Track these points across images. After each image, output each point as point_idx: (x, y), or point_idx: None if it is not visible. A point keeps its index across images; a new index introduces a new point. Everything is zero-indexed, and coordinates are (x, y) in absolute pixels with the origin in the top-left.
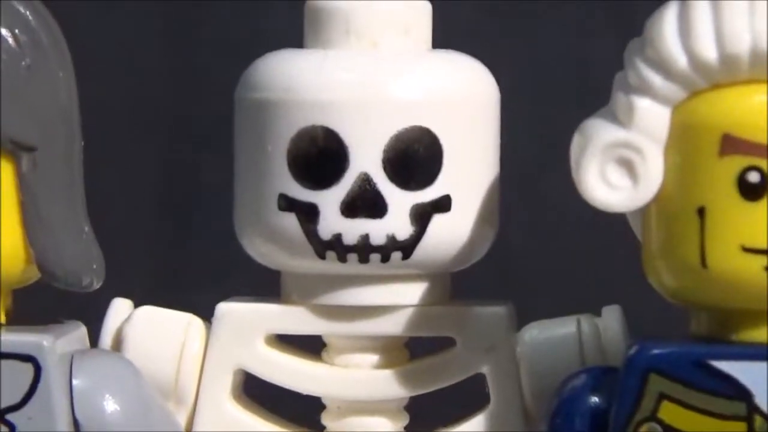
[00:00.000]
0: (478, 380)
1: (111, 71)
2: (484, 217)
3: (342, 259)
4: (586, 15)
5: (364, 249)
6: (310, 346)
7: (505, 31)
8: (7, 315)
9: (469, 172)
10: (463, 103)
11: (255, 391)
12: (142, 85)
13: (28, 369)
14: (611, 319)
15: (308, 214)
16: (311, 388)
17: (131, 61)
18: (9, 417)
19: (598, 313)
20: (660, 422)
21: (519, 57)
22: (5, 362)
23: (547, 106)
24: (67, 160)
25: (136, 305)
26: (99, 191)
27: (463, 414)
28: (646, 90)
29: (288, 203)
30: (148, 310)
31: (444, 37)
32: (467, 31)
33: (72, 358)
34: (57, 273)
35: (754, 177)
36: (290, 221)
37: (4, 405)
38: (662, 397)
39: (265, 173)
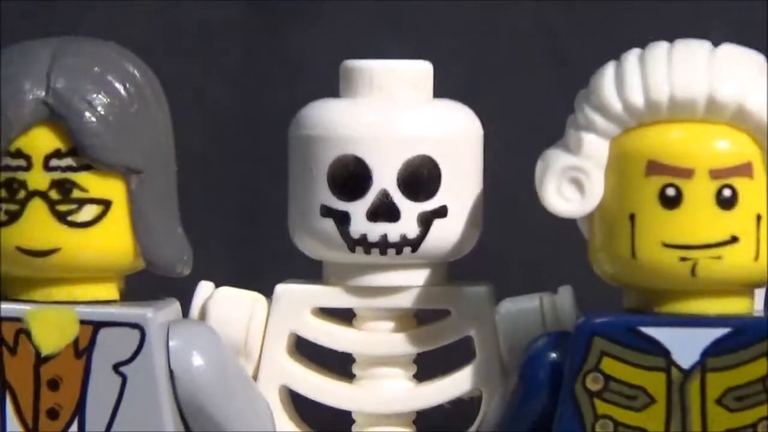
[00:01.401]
0: (467, 341)
1: (205, 115)
2: (472, 221)
3: (367, 252)
4: (544, 77)
5: (383, 245)
6: (345, 316)
7: (489, 85)
8: (121, 294)
9: (461, 188)
10: (456, 138)
11: (304, 350)
12: (227, 126)
13: (136, 334)
14: (565, 296)
15: (342, 219)
16: (346, 346)
17: (221, 110)
18: (121, 369)
19: (555, 291)
20: (602, 372)
21: (498, 105)
22: (119, 329)
23: (517, 139)
24: (164, 179)
25: (217, 286)
26: (191, 201)
27: (456, 366)
28: (590, 127)
29: (327, 211)
30: (226, 290)
31: (442, 89)
32: (459, 84)
33: (168, 325)
34: (157, 263)
35: (671, 192)
36: (329, 224)
37: (118, 360)
38: (603, 354)
39: (310, 189)
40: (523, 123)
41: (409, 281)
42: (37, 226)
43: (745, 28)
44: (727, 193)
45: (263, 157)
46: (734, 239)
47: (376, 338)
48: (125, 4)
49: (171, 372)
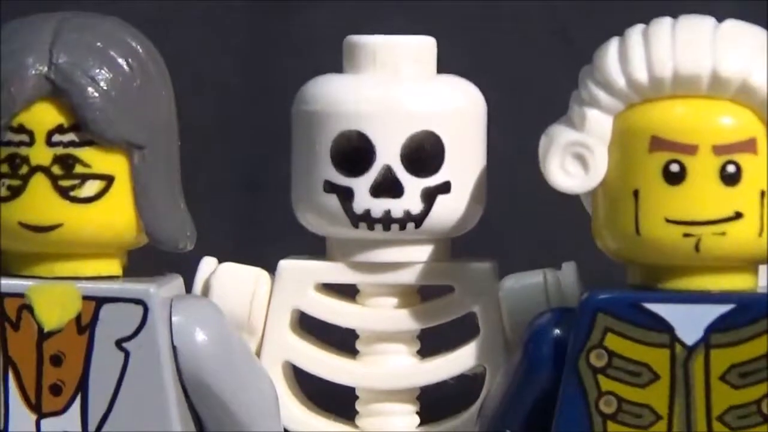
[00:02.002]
0: (470, 317)
1: (208, 90)
2: (475, 197)
3: (371, 228)
4: (548, 53)
5: (387, 221)
6: (348, 292)
7: (491, 60)
8: (123, 269)
9: (465, 163)
10: (459, 113)
11: (307, 326)
12: (231, 101)
13: (138, 309)
14: (569, 272)
15: (346, 195)
16: (349, 322)
17: (225, 85)
18: (124, 345)
19: (559, 268)
20: (605, 349)
21: (501, 81)
22: (122, 304)
23: (521, 115)
24: (167, 155)
25: (220, 262)
26: (194, 178)
27: (460, 342)
28: (594, 103)
29: (331, 187)
30: (229, 266)
31: (446, 64)
32: (463, 60)
33: (171, 301)
34: (160, 238)
35: (674, 167)
36: (332, 200)
37: (121, 336)
38: (607, 330)
39: (314, 165)
40: (526, 99)
41: (413, 257)
42: (40, 201)
43: (751, 3)
44: (731, 169)
45: (267, 133)
46: (738, 215)
47: (380, 314)
48: None
49: (174, 348)
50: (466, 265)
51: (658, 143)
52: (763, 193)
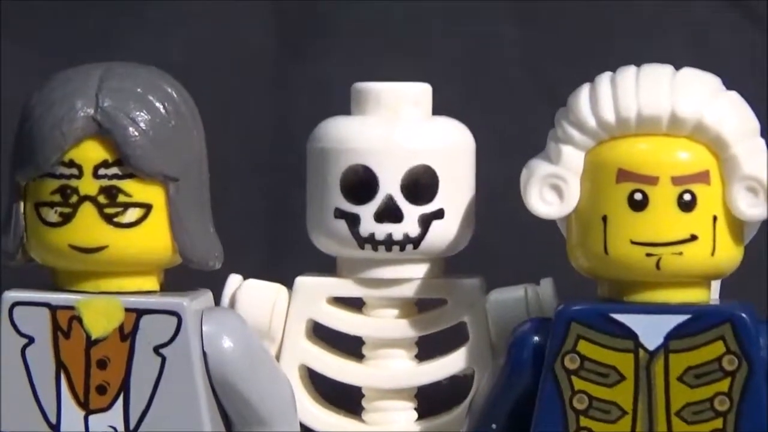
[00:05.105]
0: (461, 326)
1: (236, 130)
2: (466, 222)
3: (375, 249)
4: (528, 96)
5: (389, 243)
6: (355, 305)
7: (480, 103)
8: (160, 285)
9: (456, 193)
10: (452, 150)
11: (320, 334)
12: (255, 139)
13: (173, 320)
14: (546, 286)
15: (353, 220)
16: (356, 331)
17: (250, 125)
18: (161, 351)
19: (538, 283)
20: (578, 353)
21: (488, 121)
22: (159, 316)
23: (505, 151)
24: (199, 186)
25: (244, 279)
26: (223, 205)
27: (452, 347)
28: (568, 140)
29: (340, 213)
30: (252, 282)
31: (440, 107)
32: (455, 103)
33: (202, 312)
34: (192, 258)
35: (638, 196)
36: (341, 225)
37: (158, 343)
38: (579, 337)
39: (325, 194)
40: (510, 137)
41: (411, 274)
42: (88, 226)
43: (705, 52)
44: (687, 197)
45: (285, 166)
46: (693, 237)
47: (383, 324)
48: (169, 31)
49: (204, 353)
50: (457, 281)
51: (623, 175)
52: (715, 218)
